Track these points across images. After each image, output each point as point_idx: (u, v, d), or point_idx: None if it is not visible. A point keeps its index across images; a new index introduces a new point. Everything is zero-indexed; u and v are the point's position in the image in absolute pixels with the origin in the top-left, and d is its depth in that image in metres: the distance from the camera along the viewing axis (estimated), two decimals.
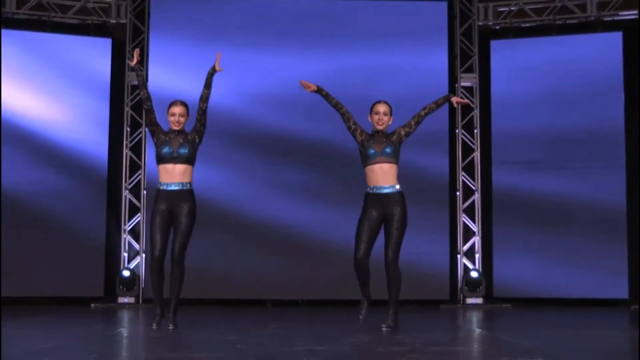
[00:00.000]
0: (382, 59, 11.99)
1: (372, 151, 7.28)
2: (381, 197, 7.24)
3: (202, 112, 7.50)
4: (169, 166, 7.34)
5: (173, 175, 7.33)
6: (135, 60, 7.70)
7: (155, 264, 7.27)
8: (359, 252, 7.19)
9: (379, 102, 7.46)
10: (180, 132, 7.44)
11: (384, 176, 7.26)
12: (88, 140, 11.95)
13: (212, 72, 7.65)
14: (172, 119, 7.44)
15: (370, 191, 7.31)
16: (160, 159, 7.37)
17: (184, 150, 7.34)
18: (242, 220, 11.76)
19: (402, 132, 7.38)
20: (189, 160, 7.38)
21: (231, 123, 11.81)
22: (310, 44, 12.07)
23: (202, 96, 7.55)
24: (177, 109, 7.45)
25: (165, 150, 7.33)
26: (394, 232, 7.18)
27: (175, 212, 7.30)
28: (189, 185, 7.37)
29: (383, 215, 7.23)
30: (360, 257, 7.18)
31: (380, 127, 7.34)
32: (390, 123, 7.40)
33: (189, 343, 6.42)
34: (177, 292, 7.32)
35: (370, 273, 7.29)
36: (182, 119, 7.43)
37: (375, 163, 7.28)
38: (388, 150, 7.28)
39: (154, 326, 7.29)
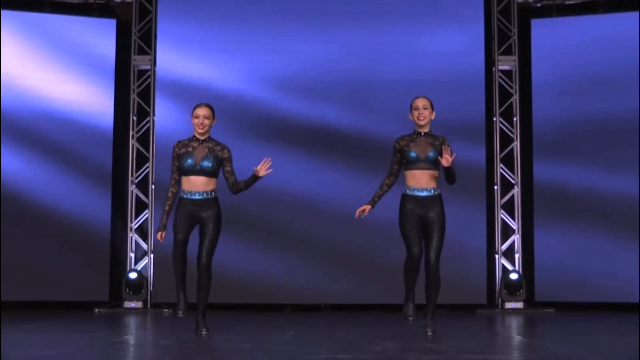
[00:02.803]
0: (413, 39, 11.97)
1: (413, 154, 7.44)
2: (419, 199, 7.45)
3: (228, 177, 7.69)
4: (192, 177, 7.55)
5: (197, 186, 7.56)
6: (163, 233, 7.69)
7: (178, 248, 7.49)
8: (414, 249, 7.40)
9: (417, 97, 7.60)
10: (205, 140, 7.62)
11: (425, 181, 7.48)
12: (91, 130, 12.00)
13: (255, 178, 7.68)
14: (196, 121, 7.60)
15: (408, 192, 7.52)
16: (183, 171, 7.56)
17: (207, 164, 7.54)
18: (259, 219, 11.78)
19: (444, 149, 7.42)
20: (212, 173, 7.58)
21: (247, 111, 11.84)
22: (333, 22, 12.04)
23: (233, 184, 7.70)
24: (202, 111, 7.61)
25: (188, 162, 7.53)
26: (434, 235, 7.41)
27: (200, 218, 7.55)
28: (212, 193, 7.60)
29: (422, 216, 7.44)
30: (417, 255, 7.39)
31: (422, 122, 7.48)
32: (432, 118, 7.50)
33: (201, 351, 6.47)
34: (205, 299, 7.62)
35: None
36: (206, 121, 7.59)
37: (416, 169, 7.48)
38: (431, 155, 7.44)
39: (180, 313, 7.54)
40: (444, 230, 7.44)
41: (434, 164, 7.45)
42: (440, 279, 7.43)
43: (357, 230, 11.54)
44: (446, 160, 7.33)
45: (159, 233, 7.60)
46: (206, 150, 7.56)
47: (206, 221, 7.53)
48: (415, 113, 7.50)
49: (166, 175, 7.78)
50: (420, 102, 7.51)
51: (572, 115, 11.88)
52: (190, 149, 7.56)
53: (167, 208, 7.61)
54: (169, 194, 7.62)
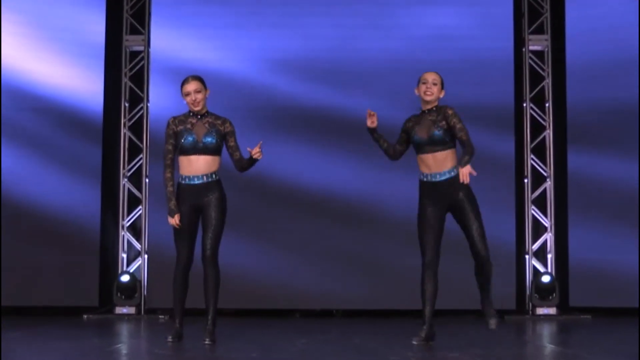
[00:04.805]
0: (433, 17, 11.95)
1: (416, 137, 7.50)
2: (438, 186, 7.45)
3: (233, 152, 7.74)
4: (193, 157, 7.55)
5: (197, 168, 7.55)
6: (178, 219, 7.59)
7: (180, 273, 7.59)
8: (427, 257, 7.49)
9: (427, 71, 7.63)
10: (204, 115, 7.64)
11: (437, 164, 7.49)
12: (78, 117, 11.99)
13: (252, 160, 7.69)
14: (188, 99, 7.62)
15: (424, 179, 7.55)
16: (183, 150, 7.56)
17: (210, 139, 7.54)
18: (265, 218, 11.78)
19: (454, 121, 7.42)
20: (216, 150, 7.59)
21: (252, 96, 11.83)
22: None
23: (238, 161, 7.76)
24: (191, 86, 7.62)
25: (189, 139, 7.52)
26: (471, 219, 7.46)
27: (202, 206, 7.55)
28: (214, 176, 7.59)
29: (446, 205, 7.49)
30: (430, 261, 7.47)
31: (428, 98, 7.49)
32: (441, 96, 7.54)
33: None
34: (215, 299, 7.59)
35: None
36: (198, 96, 7.60)
37: (424, 152, 7.51)
38: (437, 134, 7.44)
39: (169, 339, 7.52)
40: (478, 209, 7.47)
41: (442, 142, 7.45)
42: (491, 267, 7.61)
43: (372, 230, 11.58)
44: (464, 175, 7.26)
45: (175, 217, 7.49)
46: (207, 125, 7.58)
47: (208, 207, 7.52)
48: (423, 87, 7.52)
49: (161, 167, 7.75)
50: (430, 76, 7.54)
51: (611, 101, 11.84)
52: (189, 126, 7.57)
53: (170, 189, 7.54)
54: (168, 175, 7.57)
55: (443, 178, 7.45)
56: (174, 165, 7.62)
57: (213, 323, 7.55)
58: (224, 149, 7.74)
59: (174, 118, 7.68)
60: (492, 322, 7.45)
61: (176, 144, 7.59)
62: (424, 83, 7.53)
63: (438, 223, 7.48)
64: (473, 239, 7.44)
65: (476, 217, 7.44)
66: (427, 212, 7.48)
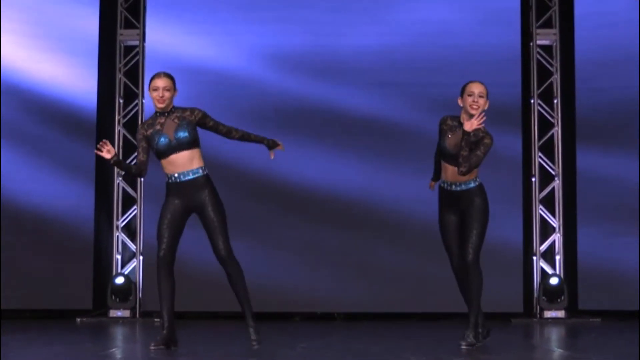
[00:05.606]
0: (436, 10, 11.95)
1: (443, 145, 7.50)
2: (452, 194, 7.60)
3: (217, 128, 7.67)
4: (172, 157, 7.45)
5: (181, 165, 7.46)
6: (108, 154, 7.52)
7: (161, 265, 7.43)
8: (452, 264, 7.66)
9: (472, 81, 7.58)
10: (171, 112, 7.55)
11: (453, 176, 7.56)
12: (71, 114, 11.97)
13: (267, 144, 7.91)
14: (154, 94, 7.51)
15: (443, 185, 7.68)
16: (160, 154, 7.48)
17: (183, 134, 7.44)
18: (264, 218, 11.79)
19: (481, 149, 7.44)
20: (192, 143, 7.48)
21: (251, 95, 11.78)
22: None
23: (229, 131, 7.70)
24: (161, 82, 7.53)
25: (162, 141, 7.43)
26: (473, 225, 7.52)
27: (195, 208, 7.48)
28: (201, 170, 7.50)
29: (460, 211, 7.59)
30: (457, 266, 7.62)
31: (474, 112, 7.42)
32: (485, 108, 7.48)
33: None
34: (246, 296, 7.59)
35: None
36: (167, 94, 7.50)
37: (446, 161, 7.60)
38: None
39: (152, 346, 7.35)
40: (483, 221, 7.53)
41: None
42: (481, 279, 7.49)
43: (374, 232, 11.57)
44: (469, 123, 7.29)
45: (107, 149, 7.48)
46: (176, 120, 7.48)
47: (204, 209, 7.43)
48: (469, 100, 7.45)
49: (157, 166, 7.75)
50: (477, 88, 7.46)
51: (621, 97, 11.81)
52: (158, 127, 7.48)
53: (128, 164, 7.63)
54: (134, 170, 7.68)
55: (460, 189, 7.55)
56: (143, 167, 7.58)
57: (253, 319, 7.58)
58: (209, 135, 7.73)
59: (143, 123, 7.66)
60: (463, 343, 7.41)
61: (149, 148, 7.54)
62: (469, 95, 7.45)
63: (458, 228, 7.61)
64: (468, 243, 7.49)
65: (479, 227, 7.51)
66: (445, 219, 7.65)
